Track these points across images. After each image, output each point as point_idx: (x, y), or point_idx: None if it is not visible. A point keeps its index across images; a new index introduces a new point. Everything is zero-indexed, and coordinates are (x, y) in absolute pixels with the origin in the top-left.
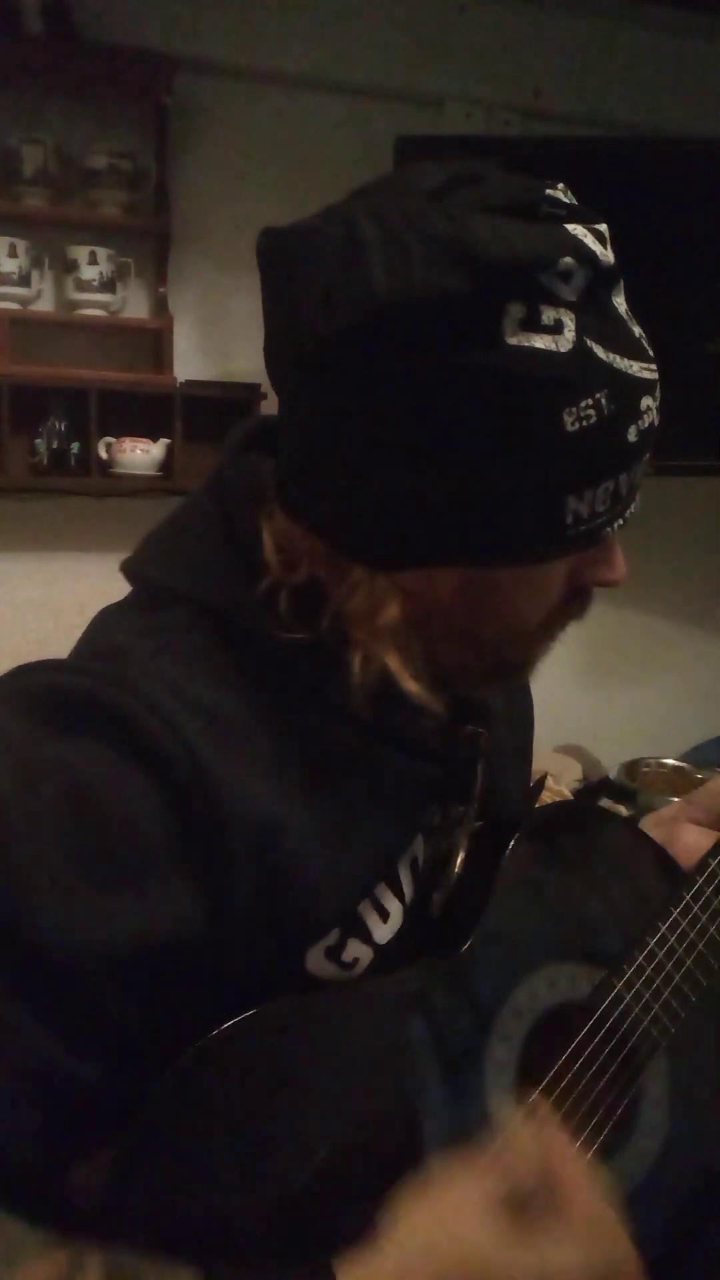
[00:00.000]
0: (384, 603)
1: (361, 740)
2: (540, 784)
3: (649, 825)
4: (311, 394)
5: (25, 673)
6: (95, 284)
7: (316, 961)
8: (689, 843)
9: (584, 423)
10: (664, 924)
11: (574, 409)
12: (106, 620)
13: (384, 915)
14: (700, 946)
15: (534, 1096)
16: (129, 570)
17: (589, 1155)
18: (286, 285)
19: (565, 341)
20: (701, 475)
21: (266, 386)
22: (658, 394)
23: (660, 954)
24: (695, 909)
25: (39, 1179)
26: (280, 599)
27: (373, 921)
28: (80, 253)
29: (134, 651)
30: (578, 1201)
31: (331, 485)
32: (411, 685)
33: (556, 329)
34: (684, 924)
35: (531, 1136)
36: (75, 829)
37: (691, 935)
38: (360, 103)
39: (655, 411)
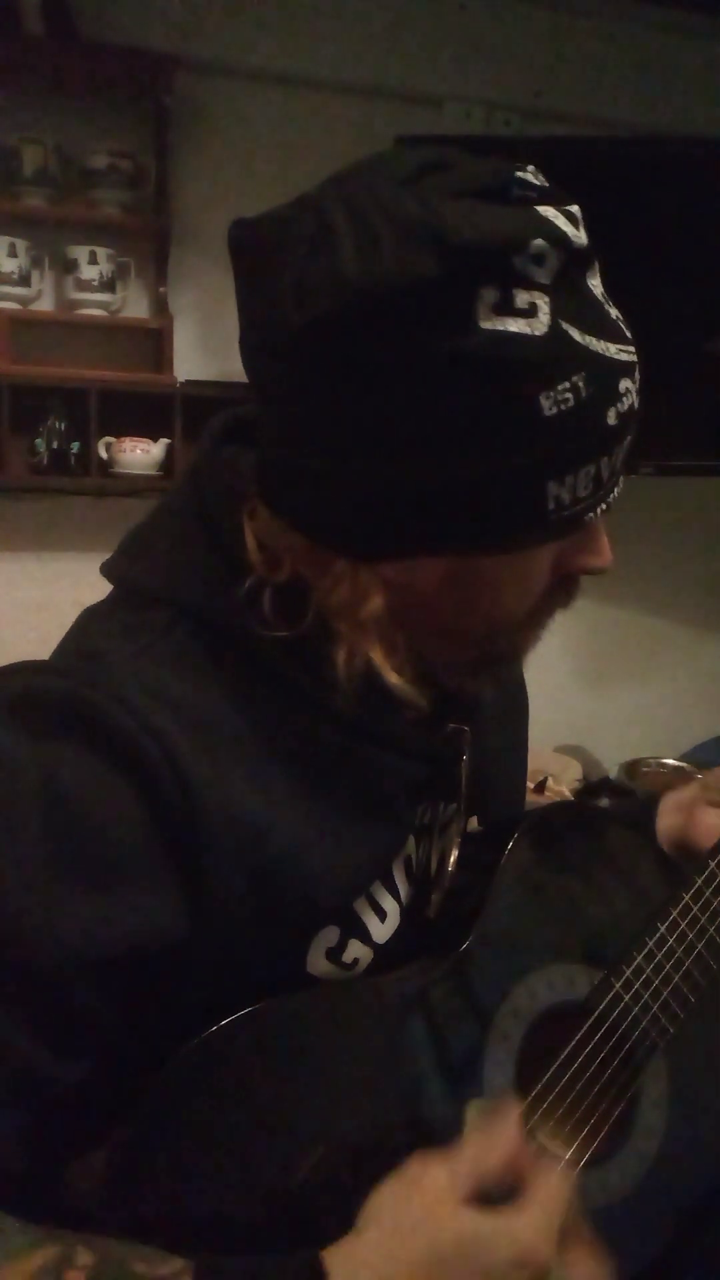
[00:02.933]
0: (366, 595)
1: (345, 739)
2: (541, 786)
3: (668, 809)
4: (286, 385)
5: (3, 676)
6: (95, 284)
7: (317, 962)
8: (710, 824)
9: (561, 406)
10: (663, 925)
11: (551, 393)
12: (88, 622)
13: (381, 915)
14: (699, 948)
15: (502, 1096)
16: (109, 572)
17: (582, 1155)
18: (258, 276)
19: (540, 325)
20: (701, 475)
21: None
22: (637, 376)
23: (659, 955)
24: (694, 910)
25: (26, 1181)
26: (264, 598)
27: (371, 921)
28: (80, 253)
29: (113, 653)
30: (538, 1185)
31: (310, 477)
32: (394, 678)
33: (531, 312)
34: (683, 925)
35: (492, 1130)
36: (52, 831)
37: (690, 936)
38: (360, 103)
39: (635, 394)
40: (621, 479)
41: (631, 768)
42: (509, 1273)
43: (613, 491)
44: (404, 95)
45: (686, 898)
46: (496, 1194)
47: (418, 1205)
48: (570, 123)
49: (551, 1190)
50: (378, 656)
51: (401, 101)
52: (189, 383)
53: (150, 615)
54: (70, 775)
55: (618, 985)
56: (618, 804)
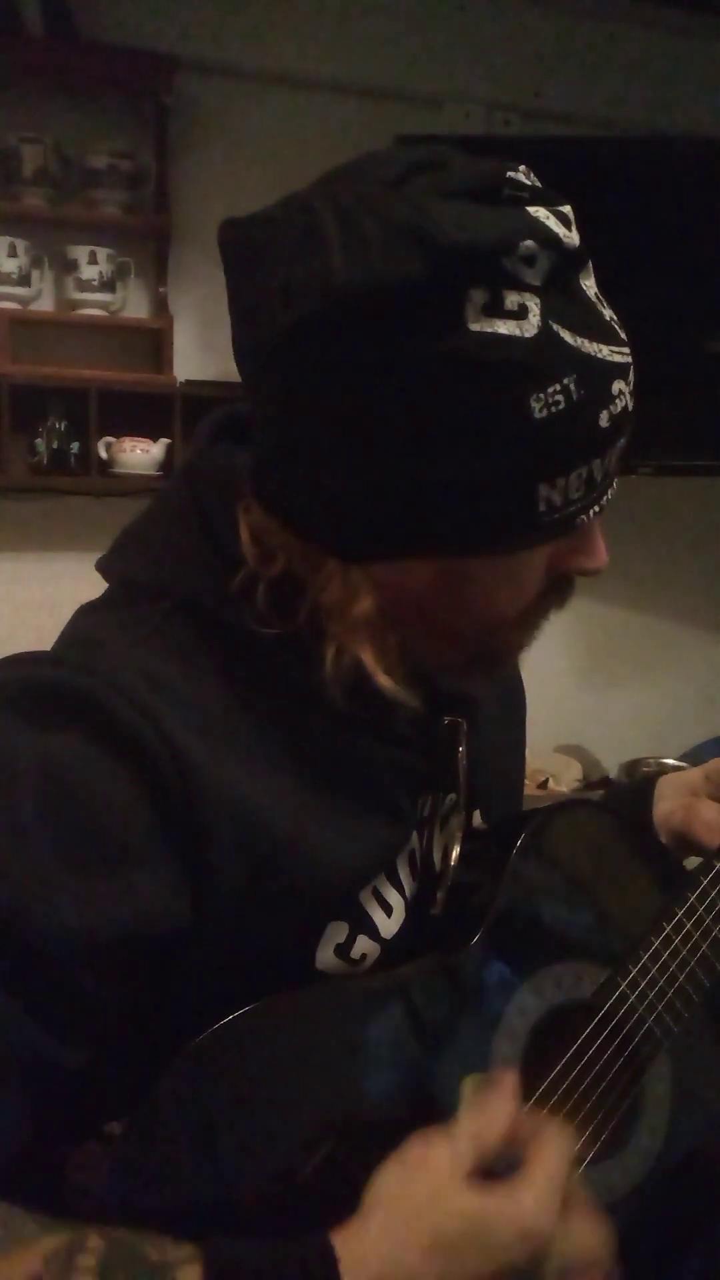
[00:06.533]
0: (357, 595)
1: (340, 731)
2: (543, 787)
3: (667, 791)
4: (276, 386)
5: (1, 667)
6: (95, 284)
7: (325, 958)
8: (710, 819)
9: (552, 409)
10: (668, 923)
11: (541, 395)
12: (84, 617)
13: (388, 910)
14: (704, 947)
15: (504, 1077)
16: (104, 568)
17: (586, 1153)
18: (248, 276)
19: (530, 326)
20: (701, 475)
21: None
22: (631, 378)
23: (664, 953)
24: (700, 909)
25: (31, 1166)
26: (258, 592)
27: (377, 915)
28: (80, 253)
29: (111, 643)
30: (537, 1156)
31: (301, 477)
32: (384, 680)
33: (520, 314)
34: (688, 924)
35: (491, 1104)
36: (52, 819)
37: (695, 935)
38: (360, 103)
39: (629, 396)
40: (616, 480)
41: (631, 768)
42: (512, 1247)
43: (606, 493)
44: (404, 95)
45: (692, 898)
46: (499, 1167)
47: (421, 1186)
48: (570, 123)
49: (551, 1160)
50: (368, 657)
51: (401, 101)
52: (189, 383)
53: (145, 608)
54: (69, 762)
55: (623, 984)
56: (611, 789)
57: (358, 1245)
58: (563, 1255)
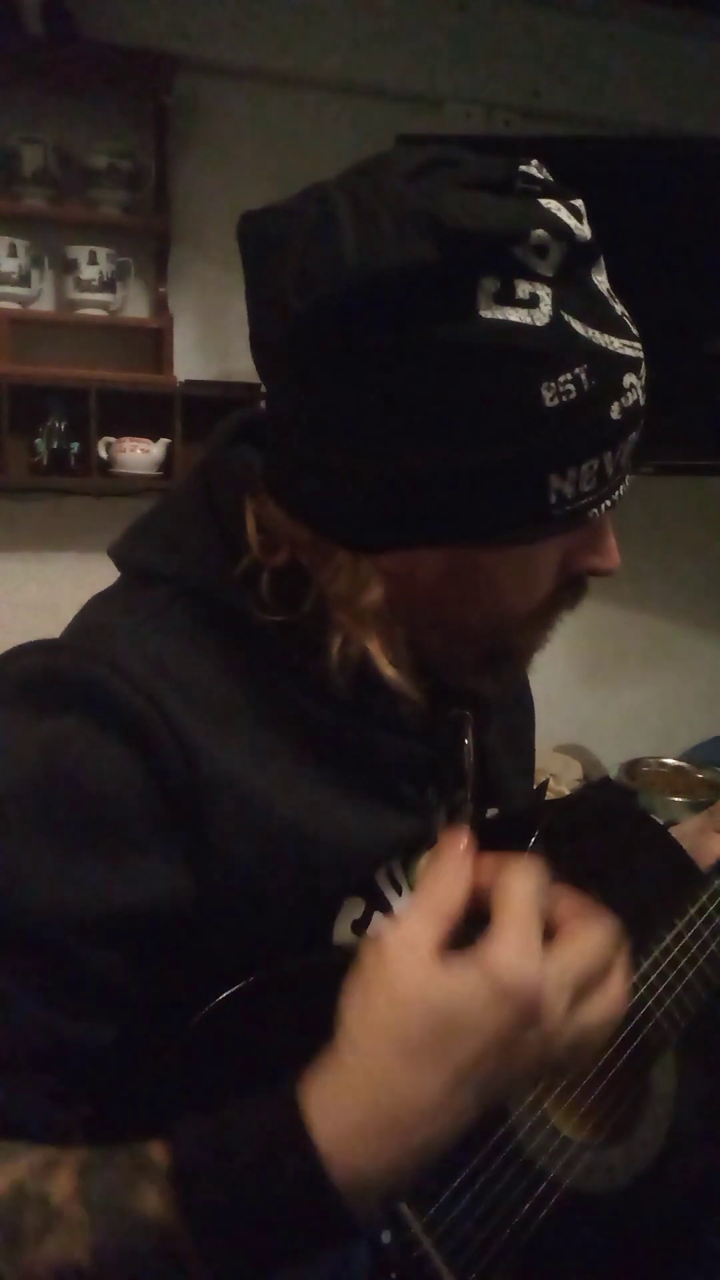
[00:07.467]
0: (366, 585)
1: (344, 720)
2: (543, 788)
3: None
4: (289, 373)
5: (10, 657)
6: (95, 284)
7: (344, 936)
8: (715, 851)
9: (563, 398)
10: (680, 921)
11: (552, 383)
12: (93, 604)
13: (400, 890)
14: (714, 946)
15: (454, 835)
16: (114, 555)
17: (593, 1142)
18: (264, 267)
19: (541, 315)
20: (701, 475)
21: None
22: (643, 372)
23: (675, 950)
24: (710, 909)
25: (63, 1138)
26: (262, 581)
27: (392, 895)
28: (80, 253)
29: (116, 628)
30: (501, 905)
31: (312, 466)
32: (389, 670)
33: (532, 303)
34: (699, 923)
35: (446, 868)
36: (53, 802)
37: (705, 934)
38: (360, 103)
39: (640, 390)
40: (628, 478)
41: (631, 768)
42: (500, 1013)
43: (618, 489)
44: (404, 95)
45: (703, 897)
46: (477, 934)
47: (380, 997)
48: (570, 123)
49: (515, 902)
50: (374, 648)
51: (401, 101)
52: (189, 383)
53: (151, 593)
54: (72, 747)
55: (634, 978)
56: None
57: (326, 1092)
58: (571, 984)
